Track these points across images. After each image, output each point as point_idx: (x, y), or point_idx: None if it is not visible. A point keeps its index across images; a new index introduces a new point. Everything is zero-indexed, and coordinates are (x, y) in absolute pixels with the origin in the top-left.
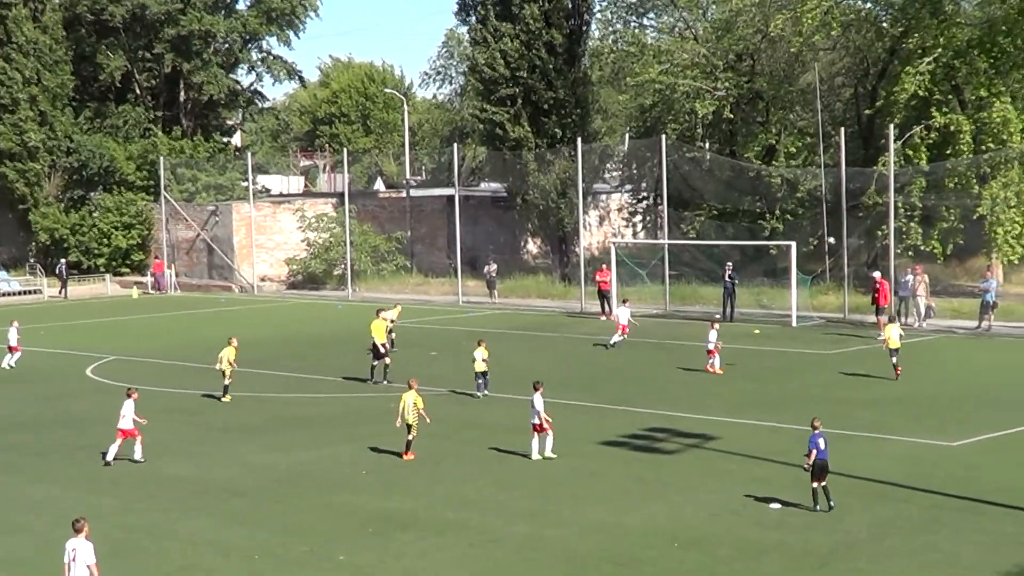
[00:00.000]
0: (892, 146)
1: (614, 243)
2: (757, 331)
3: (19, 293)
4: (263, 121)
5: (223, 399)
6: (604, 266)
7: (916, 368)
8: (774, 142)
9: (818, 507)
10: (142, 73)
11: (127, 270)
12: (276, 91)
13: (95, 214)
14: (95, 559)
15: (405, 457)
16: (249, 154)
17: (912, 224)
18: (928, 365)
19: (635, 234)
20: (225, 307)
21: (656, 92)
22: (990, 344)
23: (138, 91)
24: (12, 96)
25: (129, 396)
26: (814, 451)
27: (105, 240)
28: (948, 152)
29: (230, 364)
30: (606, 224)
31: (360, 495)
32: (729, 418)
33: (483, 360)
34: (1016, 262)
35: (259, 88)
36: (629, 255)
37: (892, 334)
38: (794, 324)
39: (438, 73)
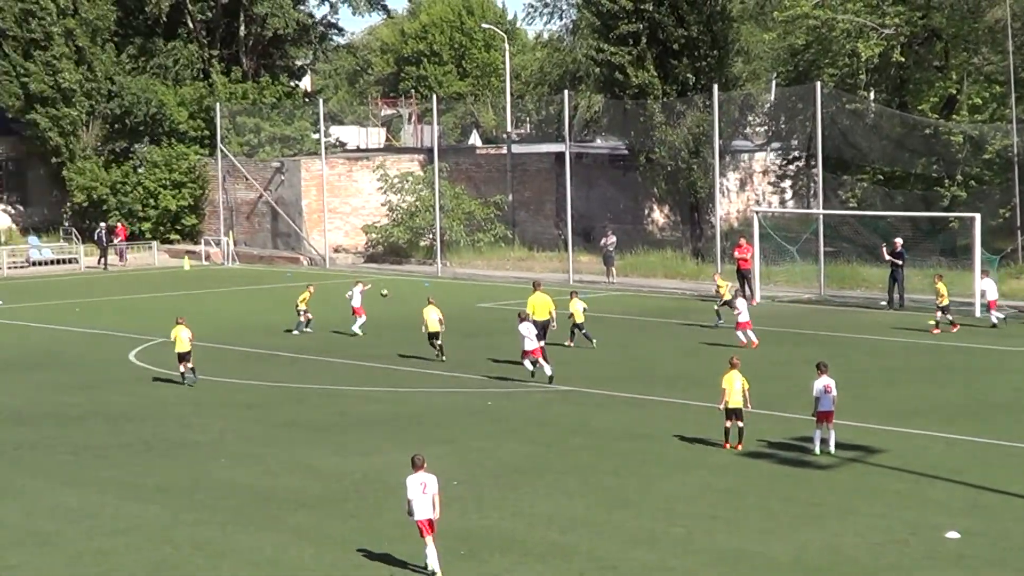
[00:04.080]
0: None
1: (757, 212)
2: (933, 321)
3: (52, 262)
4: (339, 61)
5: (305, 331)
6: (744, 240)
7: None
8: (954, 92)
9: None
10: (195, 3)
11: (177, 237)
12: (355, 24)
13: (140, 170)
14: (437, 488)
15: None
16: (321, 100)
17: None
18: None
19: (783, 202)
20: (292, 283)
21: (810, 30)
22: None
23: (191, 25)
24: (45, 30)
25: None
26: None
27: (151, 201)
28: None
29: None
30: (748, 189)
31: (449, 511)
32: (896, 427)
33: (583, 311)
34: None
35: (334, 21)
36: (775, 227)
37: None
38: (977, 314)
39: (546, 5)
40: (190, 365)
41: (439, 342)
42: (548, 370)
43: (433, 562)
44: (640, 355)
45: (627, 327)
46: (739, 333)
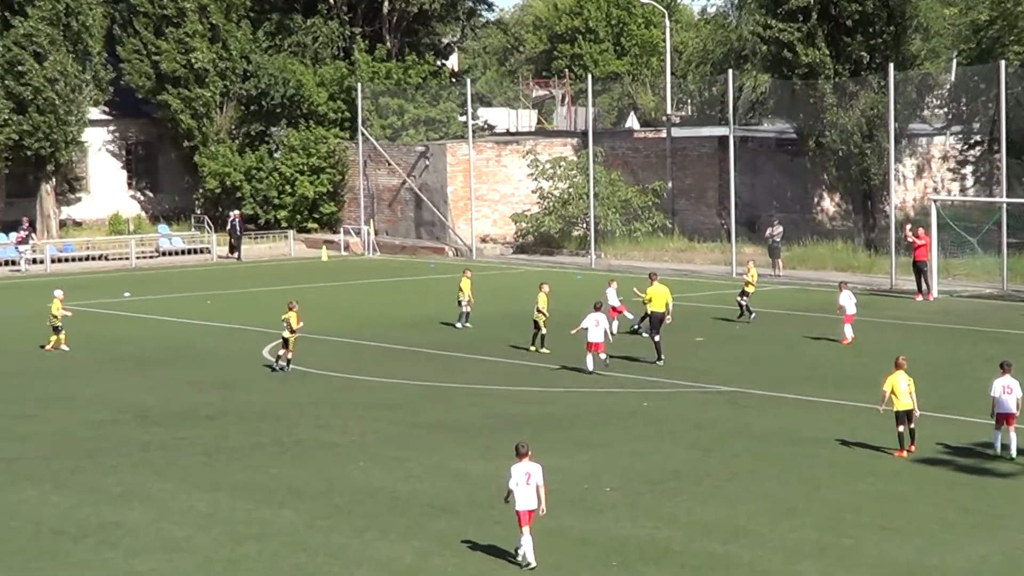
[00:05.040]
0: None
1: (936, 201)
2: None
3: (183, 252)
4: (488, 38)
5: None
6: (922, 230)
7: None
8: None
9: None
10: None
11: (315, 226)
12: (505, 0)
13: (276, 155)
14: (542, 479)
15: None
16: (468, 81)
17: None
18: None
19: (963, 189)
20: (436, 275)
21: (994, 4)
22: None
23: (331, 0)
24: (177, 6)
25: (610, 285)
26: None
27: (288, 188)
28: None
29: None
30: (926, 176)
31: (601, 518)
32: None
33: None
34: None
35: None
36: (955, 216)
37: None
38: None
39: None
40: (289, 356)
41: (541, 332)
42: (591, 365)
43: (530, 554)
44: (807, 353)
45: (793, 323)
46: (847, 327)
